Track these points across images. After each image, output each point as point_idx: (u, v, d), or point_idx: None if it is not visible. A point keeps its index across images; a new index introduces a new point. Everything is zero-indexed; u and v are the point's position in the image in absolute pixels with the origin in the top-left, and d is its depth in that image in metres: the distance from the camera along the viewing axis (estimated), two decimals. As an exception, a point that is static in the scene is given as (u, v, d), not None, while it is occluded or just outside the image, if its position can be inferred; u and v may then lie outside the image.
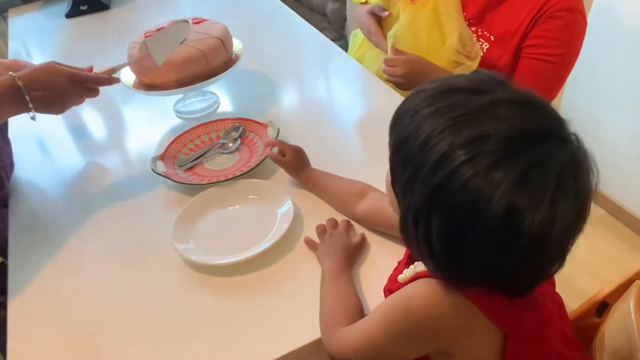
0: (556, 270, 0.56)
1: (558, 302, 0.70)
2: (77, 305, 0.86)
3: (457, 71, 1.26)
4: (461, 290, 0.56)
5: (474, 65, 1.26)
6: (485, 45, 1.25)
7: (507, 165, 0.49)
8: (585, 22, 1.18)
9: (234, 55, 1.23)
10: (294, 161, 0.98)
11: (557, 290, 0.70)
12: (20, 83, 0.90)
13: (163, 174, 1.04)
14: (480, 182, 0.49)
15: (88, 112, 1.37)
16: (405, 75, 1.22)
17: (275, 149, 1.02)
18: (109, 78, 1.02)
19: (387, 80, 1.27)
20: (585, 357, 0.68)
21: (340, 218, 0.91)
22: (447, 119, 0.52)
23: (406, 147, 0.55)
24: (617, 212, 1.93)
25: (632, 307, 0.67)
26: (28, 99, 0.91)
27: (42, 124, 1.23)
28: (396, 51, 1.25)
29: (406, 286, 0.62)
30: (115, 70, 1.05)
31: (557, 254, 0.54)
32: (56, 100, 0.95)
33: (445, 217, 0.52)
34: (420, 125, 0.53)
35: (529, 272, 0.55)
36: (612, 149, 1.83)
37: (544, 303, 0.63)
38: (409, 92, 0.59)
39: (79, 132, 1.32)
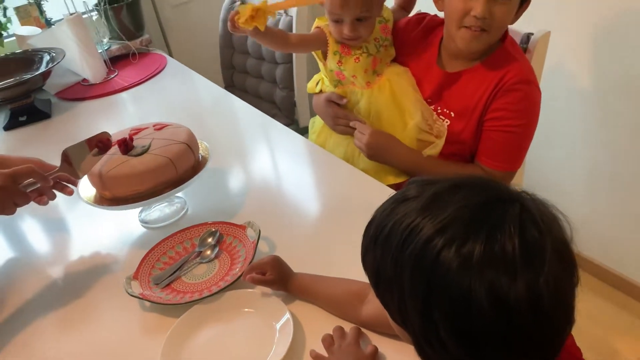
0: (569, 330, 0.54)
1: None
2: None
3: (427, 151, 1.27)
4: None
5: (440, 142, 1.27)
6: (447, 122, 1.27)
7: (470, 248, 0.49)
8: (540, 92, 1.23)
9: (200, 157, 1.18)
10: (278, 276, 0.91)
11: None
12: None
13: (140, 296, 0.95)
14: (452, 270, 0.49)
15: (45, 230, 1.28)
16: (369, 145, 1.29)
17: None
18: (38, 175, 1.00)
19: (355, 145, 1.33)
20: None
21: (346, 324, 0.85)
22: (402, 231, 0.54)
23: (382, 278, 0.57)
24: (600, 273, 1.95)
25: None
26: None
27: None
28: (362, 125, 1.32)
29: None
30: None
31: (561, 313, 0.52)
32: None
33: (447, 319, 0.51)
34: (385, 252, 0.56)
35: (543, 342, 0.52)
36: (586, 211, 1.88)
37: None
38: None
39: (38, 250, 1.22)
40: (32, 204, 1.05)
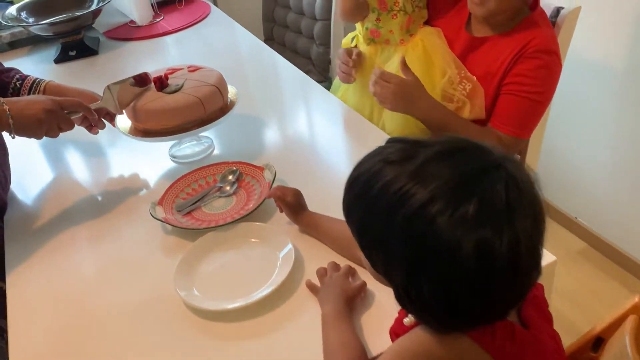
0: (537, 278, 0.60)
1: (554, 338, 0.73)
2: (78, 341, 0.88)
3: (452, 106, 1.30)
4: (464, 332, 0.60)
5: (468, 106, 1.30)
6: (469, 86, 1.31)
7: (463, 211, 0.54)
8: (561, 65, 1.25)
9: (229, 101, 1.26)
10: (295, 203, 1.00)
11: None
12: (6, 107, 1.02)
13: (162, 220, 1.05)
14: (446, 232, 0.54)
15: (86, 156, 1.40)
16: (395, 93, 1.23)
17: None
18: (84, 107, 1.13)
19: (371, 93, 1.26)
20: None
21: (343, 261, 0.93)
22: (393, 195, 0.56)
23: (368, 234, 0.61)
24: (597, 244, 1.98)
25: (627, 342, 0.69)
26: (11, 122, 1.03)
27: (41, 156, 1.26)
28: (404, 67, 1.25)
29: (412, 330, 0.64)
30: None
31: (533, 264, 0.58)
32: (34, 130, 1.07)
33: (432, 279, 0.56)
34: (372, 212, 0.59)
35: (515, 290, 0.59)
36: (591, 181, 1.90)
37: (542, 340, 0.66)
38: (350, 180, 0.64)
39: (78, 172, 1.35)
40: (83, 130, 1.21)
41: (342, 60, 1.46)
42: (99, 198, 1.23)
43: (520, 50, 1.22)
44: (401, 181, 0.57)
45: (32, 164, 1.38)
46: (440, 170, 0.56)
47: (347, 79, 1.47)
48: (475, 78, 1.29)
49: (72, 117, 1.12)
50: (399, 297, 0.61)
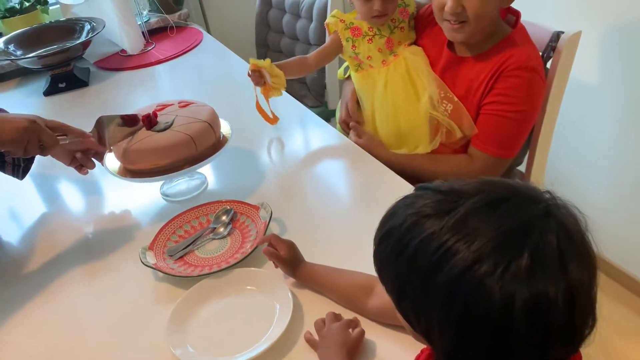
0: (592, 328, 0.55)
1: None
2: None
3: (419, 149, 1.31)
4: None
5: (450, 121, 1.27)
6: (450, 107, 1.28)
7: (515, 268, 0.49)
8: (543, 81, 1.22)
9: (221, 136, 1.21)
10: (290, 257, 0.94)
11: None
12: None
13: (154, 266, 1.00)
14: (497, 291, 0.49)
15: (76, 196, 1.35)
16: (361, 145, 1.35)
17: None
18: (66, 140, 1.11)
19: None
20: None
21: (344, 310, 0.88)
22: (433, 253, 0.52)
23: (406, 296, 0.56)
24: (615, 274, 1.92)
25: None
26: None
27: (27, 197, 1.21)
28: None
29: None
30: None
31: (588, 315, 0.54)
32: (16, 150, 1.03)
33: (481, 342, 0.51)
34: (410, 271, 0.54)
35: (570, 342, 0.54)
36: (602, 212, 1.85)
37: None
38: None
39: (66, 213, 1.29)
40: (72, 170, 1.18)
41: (342, 119, 1.50)
42: (89, 241, 1.18)
43: (498, 68, 1.20)
44: (441, 238, 0.52)
45: (18, 204, 1.34)
46: (484, 225, 0.51)
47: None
48: (456, 98, 1.27)
49: (60, 141, 1.08)
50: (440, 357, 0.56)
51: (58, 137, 1.08)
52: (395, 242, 0.56)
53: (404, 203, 0.59)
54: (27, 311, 1.01)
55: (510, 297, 0.49)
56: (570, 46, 1.26)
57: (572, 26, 1.26)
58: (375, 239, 0.60)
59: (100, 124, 1.13)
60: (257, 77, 1.32)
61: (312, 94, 2.12)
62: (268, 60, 1.32)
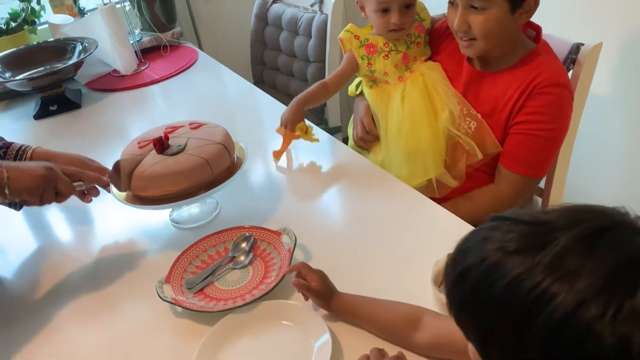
0: None
1: None
2: None
3: (462, 155, 1.23)
4: None
5: (471, 141, 1.23)
6: (473, 124, 1.23)
7: (629, 307, 0.43)
8: (572, 96, 1.20)
9: (235, 159, 1.15)
10: (322, 289, 0.87)
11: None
12: (5, 174, 0.95)
13: (172, 301, 0.93)
14: (610, 335, 0.43)
15: (78, 224, 1.27)
16: None
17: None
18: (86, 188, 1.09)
19: None
20: None
21: (387, 344, 0.81)
22: (526, 295, 0.46)
23: (493, 342, 0.50)
24: None
25: None
26: (7, 191, 0.96)
27: (26, 229, 1.13)
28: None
29: None
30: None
31: None
32: (32, 199, 1.00)
33: None
34: (498, 315, 0.48)
35: None
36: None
37: None
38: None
39: (69, 243, 1.22)
40: (74, 198, 1.10)
41: (359, 136, 1.42)
42: (94, 274, 1.09)
43: (527, 85, 1.16)
44: (536, 278, 0.46)
45: (16, 236, 1.24)
46: (586, 262, 0.45)
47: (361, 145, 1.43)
48: (479, 116, 1.23)
49: (76, 188, 1.05)
50: None
51: (74, 184, 1.04)
52: (477, 281, 0.50)
53: (479, 237, 0.52)
54: (29, 353, 0.93)
55: (625, 341, 0.43)
56: (591, 58, 1.23)
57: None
58: (447, 278, 0.54)
59: (117, 167, 1.07)
60: None
61: (312, 111, 2.07)
62: (303, 125, 1.33)
